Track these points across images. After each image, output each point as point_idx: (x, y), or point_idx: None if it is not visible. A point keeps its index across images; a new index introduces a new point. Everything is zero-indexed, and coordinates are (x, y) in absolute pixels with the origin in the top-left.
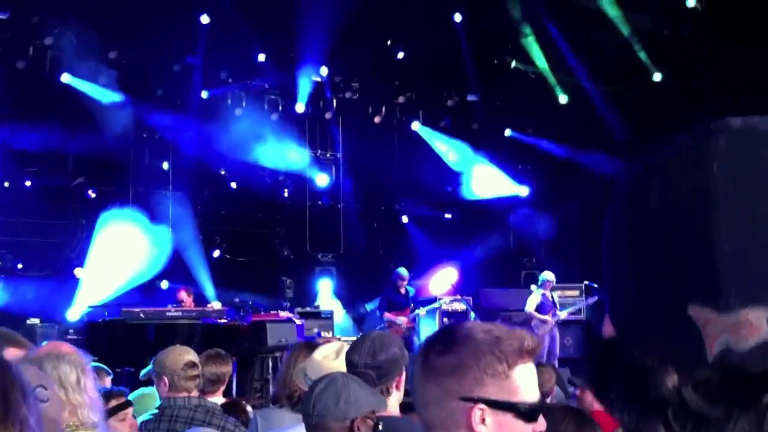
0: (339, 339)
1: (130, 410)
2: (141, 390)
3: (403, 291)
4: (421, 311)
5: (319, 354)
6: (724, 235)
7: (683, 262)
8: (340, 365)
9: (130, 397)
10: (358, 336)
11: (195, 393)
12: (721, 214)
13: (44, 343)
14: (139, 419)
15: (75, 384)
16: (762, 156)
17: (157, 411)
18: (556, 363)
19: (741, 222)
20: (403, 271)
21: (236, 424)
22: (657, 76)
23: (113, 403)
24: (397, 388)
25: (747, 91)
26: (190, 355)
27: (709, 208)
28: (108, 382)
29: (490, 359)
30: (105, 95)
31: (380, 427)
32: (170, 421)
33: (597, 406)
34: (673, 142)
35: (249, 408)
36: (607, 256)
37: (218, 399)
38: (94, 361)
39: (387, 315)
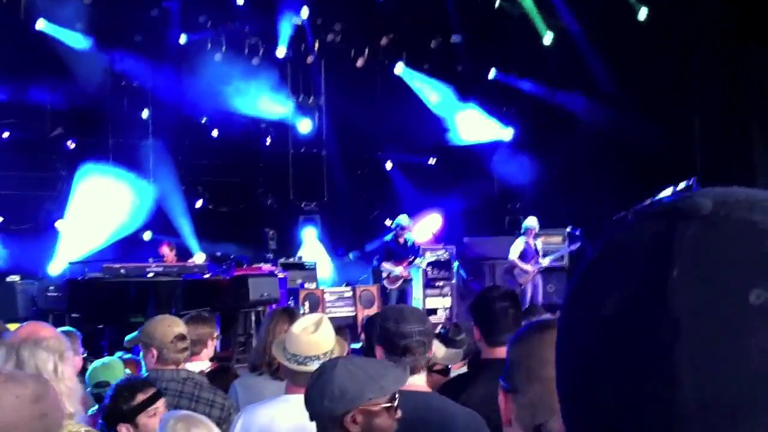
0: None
1: (161, 403)
2: (108, 358)
3: (402, 240)
4: (419, 262)
5: (297, 327)
6: (687, 378)
7: (634, 407)
8: (320, 338)
9: (96, 363)
10: (387, 306)
11: (183, 365)
12: (684, 349)
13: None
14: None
15: (52, 372)
16: (736, 263)
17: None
18: None
19: (709, 361)
20: (403, 219)
21: (225, 398)
22: (642, 15)
23: (140, 397)
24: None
25: (735, 30)
26: (180, 327)
27: (668, 335)
28: (78, 343)
29: None
30: (81, 42)
31: (397, 407)
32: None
33: None
34: (631, 219)
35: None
36: (558, 357)
37: (203, 363)
38: (76, 318)
39: (384, 265)
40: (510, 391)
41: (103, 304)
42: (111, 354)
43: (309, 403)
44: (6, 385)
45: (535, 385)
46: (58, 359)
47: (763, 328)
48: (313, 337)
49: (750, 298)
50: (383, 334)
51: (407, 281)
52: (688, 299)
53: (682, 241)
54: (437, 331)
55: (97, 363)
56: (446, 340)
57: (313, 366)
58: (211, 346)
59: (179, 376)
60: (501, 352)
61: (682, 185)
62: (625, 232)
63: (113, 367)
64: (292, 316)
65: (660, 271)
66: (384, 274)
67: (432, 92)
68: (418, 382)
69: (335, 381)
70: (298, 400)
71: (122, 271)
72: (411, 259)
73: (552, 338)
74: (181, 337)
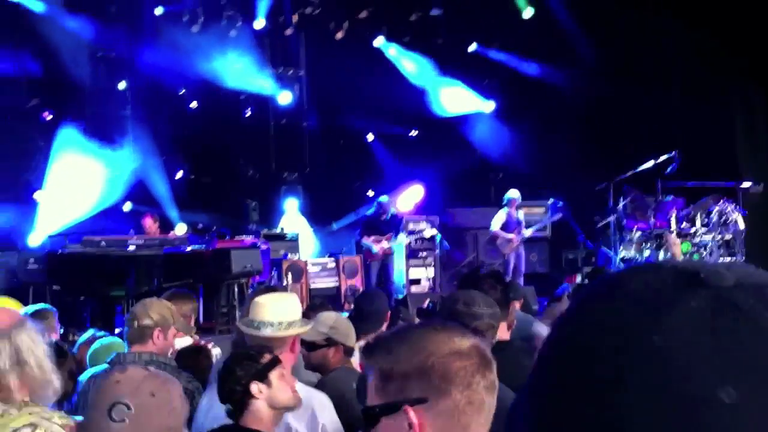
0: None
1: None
2: (109, 338)
3: (384, 217)
4: (401, 238)
5: (260, 297)
6: None
7: None
8: (276, 306)
9: (96, 346)
10: (458, 291)
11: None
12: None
13: None
14: (90, 371)
15: (44, 356)
16: (724, 351)
17: (108, 365)
18: (522, 280)
19: None
20: (383, 198)
21: (189, 380)
22: None
23: (266, 357)
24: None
25: (706, 5)
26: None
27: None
28: (54, 320)
29: None
30: (57, 13)
31: None
32: None
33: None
34: (628, 276)
35: (215, 351)
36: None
37: (185, 339)
38: (56, 291)
39: (365, 240)
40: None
41: (84, 277)
42: (92, 327)
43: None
44: (171, 386)
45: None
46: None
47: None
48: (270, 303)
49: (721, 393)
50: (454, 316)
51: (388, 255)
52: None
53: (683, 310)
54: (425, 305)
55: (96, 345)
56: (433, 314)
57: (266, 331)
58: (192, 322)
59: (141, 359)
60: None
61: (663, 157)
62: (632, 277)
63: (116, 348)
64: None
65: (650, 331)
66: (365, 249)
67: (412, 65)
68: None
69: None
70: None
71: (102, 243)
72: (392, 235)
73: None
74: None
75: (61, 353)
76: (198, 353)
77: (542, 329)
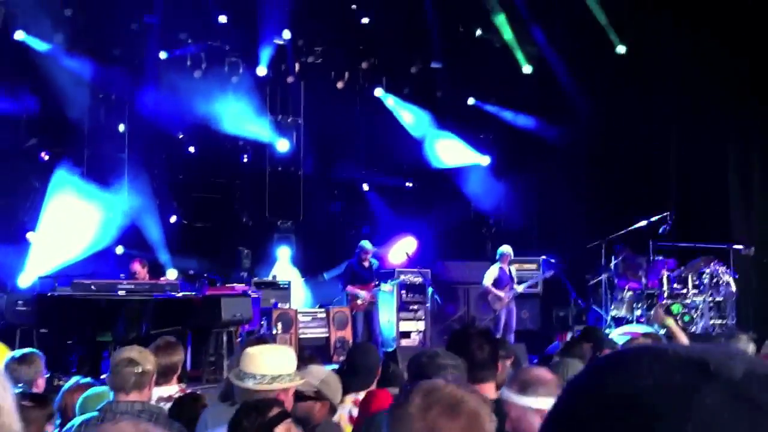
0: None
1: (290, 422)
2: (100, 388)
3: (366, 264)
4: (386, 286)
5: (253, 348)
6: None
7: None
8: (266, 360)
9: (88, 393)
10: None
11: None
12: None
13: None
14: (80, 419)
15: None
16: None
17: (97, 413)
18: (512, 337)
19: None
20: (366, 244)
21: (180, 429)
22: (621, 49)
23: (273, 411)
24: None
25: (711, 66)
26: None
27: None
28: (41, 365)
29: None
30: (59, 54)
31: None
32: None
33: None
34: (640, 368)
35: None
36: None
37: (172, 388)
38: (44, 334)
39: (349, 288)
40: None
41: (72, 321)
42: (79, 371)
43: None
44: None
45: None
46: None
47: None
48: (258, 356)
49: None
50: (420, 369)
51: (372, 304)
52: None
53: (700, 409)
54: None
55: (88, 393)
56: None
57: (249, 383)
58: (178, 371)
59: (134, 408)
60: (482, 388)
61: (656, 217)
62: (627, 379)
63: (106, 397)
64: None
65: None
66: (350, 297)
67: (410, 116)
68: None
69: None
70: None
71: (92, 287)
72: (376, 283)
73: None
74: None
75: (40, 400)
76: (195, 401)
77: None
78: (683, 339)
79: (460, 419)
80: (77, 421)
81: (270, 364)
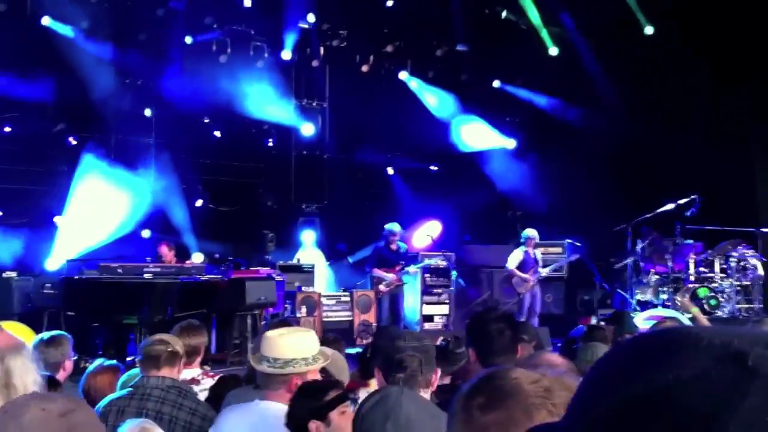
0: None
1: (349, 404)
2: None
3: (394, 247)
4: (411, 269)
5: (273, 332)
6: None
7: None
8: (288, 342)
9: (90, 368)
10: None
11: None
12: None
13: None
14: (112, 396)
15: (32, 383)
16: None
17: (131, 389)
18: (536, 320)
19: None
20: (394, 226)
21: (209, 408)
22: (649, 30)
23: (332, 394)
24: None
25: (737, 47)
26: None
27: None
28: (68, 348)
29: (544, 415)
30: (86, 40)
31: None
32: (142, 399)
33: None
34: (675, 362)
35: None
36: None
37: (195, 370)
38: (71, 316)
39: (375, 271)
40: None
41: (99, 304)
42: (104, 354)
43: (363, 426)
44: (32, 401)
45: None
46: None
47: None
48: (275, 340)
49: None
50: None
51: (398, 287)
52: None
53: (744, 409)
54: (438, 343)
55: (128, 374)
56: (446, 352)
57: (263, 366)
58: (202, 354)
59: (164, 383)
60: None
61: (683, 200)
62: (676, 362)
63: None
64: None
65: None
66: (375, 280)
67: (435, 100)
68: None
69: (402, 408)
70: (262, 405)
71: (119, 270)
72: (402, 266)
73: None
74: None
75: (52, 384)
76: (235, 381)
77: None
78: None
79: None
80: (106, 399)
81: (286, 348)
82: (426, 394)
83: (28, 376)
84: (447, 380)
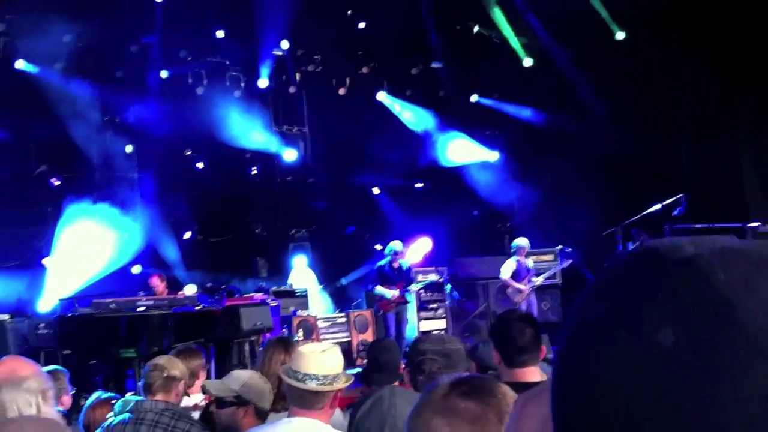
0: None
1: None
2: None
3: (396, 265)
4: (413, 287)
5: (306, 348)
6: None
7: None
8: (323, 360)
9: (88, 402)
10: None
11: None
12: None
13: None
14: (106, 423)
15: (35, 414)
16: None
17: (127, 414)
18: None
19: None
20: (397, 245)
21: (202, 429)
22: (620, 35)
23: None
24: None
25: (724, 46)
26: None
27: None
28: (65, 382)
29: None
30: (61, 79)
31: None
32: (135, 423)
33: None
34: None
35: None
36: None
37: (197, 396)
38: (67, 354)
39: (378, 288)
40: None
41: (94, 340)
42: (105, 389)
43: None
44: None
45: None
46: (40, 399)
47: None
48: (316, 356)
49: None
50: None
51: (402, 304)
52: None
53: (661, 287)
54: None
55: (125, 399)
56: (477, 353)
57: (311, 384)
58: (203, 378)
59: (157, 407)
60: (521, 373)
61: (670, 200)
62: (613, 270)
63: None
64: (287, 345)
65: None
66: (378, 298)
67: (414, 118)
68: None
69: (396, 410)
70: (300, 422)
71: (112, 305)
72: (404, 284)
73: None
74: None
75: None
76: None
77: None
78: None
79: None
80: (103, 426)
81: (330, 364)
82: None
83: (24, 411)
84: None
